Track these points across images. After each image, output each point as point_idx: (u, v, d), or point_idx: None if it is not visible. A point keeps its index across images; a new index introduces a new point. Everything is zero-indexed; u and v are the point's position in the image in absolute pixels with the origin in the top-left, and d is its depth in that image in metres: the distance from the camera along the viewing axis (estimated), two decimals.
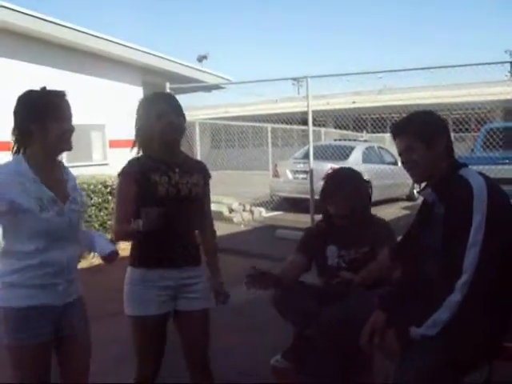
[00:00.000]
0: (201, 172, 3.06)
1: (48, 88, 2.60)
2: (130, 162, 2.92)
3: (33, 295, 2.52)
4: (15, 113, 2.55)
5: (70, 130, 2.59)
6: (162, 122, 2.84)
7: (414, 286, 2.72)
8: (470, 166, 2.77)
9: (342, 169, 4.11)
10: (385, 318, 2.67)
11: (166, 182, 2.83)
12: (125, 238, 3.10)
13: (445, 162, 2.74)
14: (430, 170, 2.74)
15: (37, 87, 2.59)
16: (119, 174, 2.91)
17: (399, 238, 3.36)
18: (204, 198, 3.06)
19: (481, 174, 2.69)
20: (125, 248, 8.24)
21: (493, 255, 2.47)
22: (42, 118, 2.50)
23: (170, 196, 2.82)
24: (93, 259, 8.08)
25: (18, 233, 2.51)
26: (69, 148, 2.61)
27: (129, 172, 2.86)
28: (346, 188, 3.72)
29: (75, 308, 2.69)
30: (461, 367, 2.58)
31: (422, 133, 2.71)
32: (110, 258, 2.69)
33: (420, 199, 3.03)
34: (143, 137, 2.95)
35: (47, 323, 2.55)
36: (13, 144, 2.58)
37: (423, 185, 2.88)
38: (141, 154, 2.98)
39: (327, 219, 3.87)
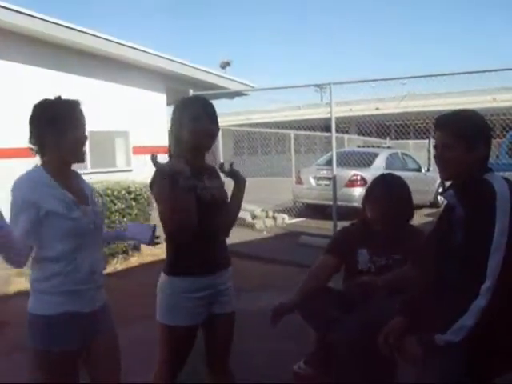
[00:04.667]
0: (218, 176, 3.08)
1: (63, 97, 2.62)
2: (159, 170, 2.84)
3: (60, 303, 2.52)
4: (31, 121, 2.57)
5: (83, 139, 2.60)
6: (195, 127, 2.81)
7: (433, 290, 2.71)
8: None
9: (388, 175, 4.06)
10: (404, 324, 2.68)
11: (202, 187, 2.83)
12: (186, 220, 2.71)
13: (477, 166, 2.67)
14: (461, 172, 2.68)
15: (54, 95, 2.62)
16: (152, 184, 2.86)
17: None
18: (227, 201, 3.07)
19: (505, 179, 2.65)
20: (149, 254, 8.28)
21: None
22: (56, 127, 2.51)
23: (206, 200, 2.81)
24: (116, 265, 8.13)
25: (45, 238, 2.51)
26: (81, 159, 2.63)
27: (162, 179, 2.76)
28: (388, 194, 3.71)
29: (102, 315, 2.69)
30: (485, 373, 2.57)
31: (464, 134, 2.64)
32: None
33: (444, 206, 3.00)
34: (175, 139, 2.92)
35: (74, 331, 2.54)
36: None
37: (447, 184, 2.85)
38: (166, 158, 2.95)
39: (362, 223, 3.86)
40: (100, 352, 2.70)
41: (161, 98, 12.76)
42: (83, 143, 2.60)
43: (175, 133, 2.91)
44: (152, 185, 2.86)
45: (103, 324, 2.70)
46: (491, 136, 2.81)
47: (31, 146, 2.59)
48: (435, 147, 2.76)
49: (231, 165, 3.08)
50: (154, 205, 3.09)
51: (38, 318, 2.53)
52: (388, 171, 13.19)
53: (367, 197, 3.84)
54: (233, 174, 3.07)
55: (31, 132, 2.57)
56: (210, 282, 2.88)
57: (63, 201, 2.51)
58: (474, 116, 2.80)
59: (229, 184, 3.16)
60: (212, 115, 2.91)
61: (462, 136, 2.63)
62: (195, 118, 2.83)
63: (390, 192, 3.73)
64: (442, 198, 11.96)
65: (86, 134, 2.63)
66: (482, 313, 2.43)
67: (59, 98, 2.61)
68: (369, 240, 3.71)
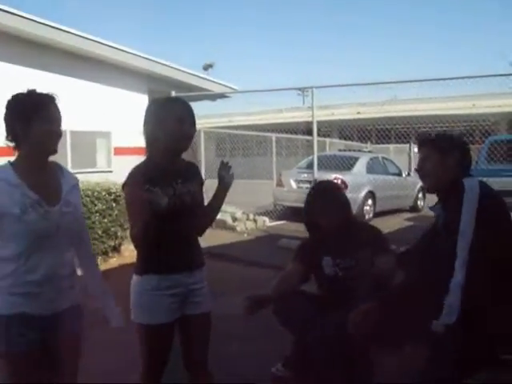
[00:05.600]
0: (196, 176, 3.06)
1: (38, 91, 2.58)
2: (135, 171, 2.86)
3: (13, 303, 2.47)
4: (4, 117, 2.55)
5: (56, 132, 2.56)
6: (178, 130, 2.81)
7: (417, 289, 2.86)
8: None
9: (322, 182, 4.25)
10: (375, 307, 2.95)
11: (172, 194, 2.80)
12: (141, 237, 2.77)
13: (454, 171, 2.96)
14: (442, 181, 2.99)
15: (28, 89, 2.59)
16: (125, 184, 2.86)
17: (393, 246, 3.60)
18: (203, 201, 3.08)
19: (481, 181, 2.90)
20: (129, 255, 8.25)
21: (484, 241, 2.65)
22: (27, 118, 2.48)
23: (175, 207, 2.78)
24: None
25: (1, 237, 2.49)
26: (53, 150, 2.58)
27: (135, 182, 2.78)
28: (333, 199, 3.85)
29: (66, 318, 2.63)
30: (479, 358, 2.76)
31: (438, 145, 3.05)
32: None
33: (424, 210, 3.30)
34: (151, 140, 2.90)
35: (30, 332, 2.50)
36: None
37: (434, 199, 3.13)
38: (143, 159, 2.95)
39: (317, 231, 3.92)
40: (58, 353, 2.65)
41: (143, 99, 12.71)
42: (55, 137, 2.56)
43: (152, 133, 2.89)
44: (124, 186, 2.88)
45: (66, 326, 2.64)
46: (467, 146, 3.16)
47: (8, 143, 2.56)
48: (418, 163, 3.15)
49: (223, 165, 3.08)
50: None
51: None
52: (369, 175, 13.44)
53: (310, 206, 3.93)
54: (219, 174, 3.07)
55: (6, 128, 2.55)
56: (177, 280, 2.87)
57: (20, 202, 2.45)
58: (449, 132, 3.27)
59: (213, 184, 3.16)
60: (192, 117, 2.91)
61: (436, 147, 3.04)
62: (179, 120, 2.83)
63: (330, 197, 3.86)
64: (422, 203, 12.08)
65: (63, 133, 2.59)
66: (463, 287, 2.60)
67: (32, 91, 2.58)
68: (329, 246, 3.78)
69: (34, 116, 2.49)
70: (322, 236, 3.86)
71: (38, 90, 2.60)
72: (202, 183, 3.08)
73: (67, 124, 2.66)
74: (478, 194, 2.75)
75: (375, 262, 3.55)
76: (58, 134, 2.58)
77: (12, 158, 2.59)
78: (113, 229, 8.63)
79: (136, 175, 2.82)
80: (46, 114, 2.52)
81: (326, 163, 12.74)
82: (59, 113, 2.59)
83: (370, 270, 3.52)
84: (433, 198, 3.29)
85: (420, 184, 15.31)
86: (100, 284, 2.89)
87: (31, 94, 2.57)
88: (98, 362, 4.04)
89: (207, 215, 3.08)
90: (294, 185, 13.70)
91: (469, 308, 2.61)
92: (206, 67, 30.68)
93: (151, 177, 2.78)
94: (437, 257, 2.84)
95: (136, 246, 2.87)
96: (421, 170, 3.11)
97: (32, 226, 2.47)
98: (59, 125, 2.59)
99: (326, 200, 3.82)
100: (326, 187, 4.09)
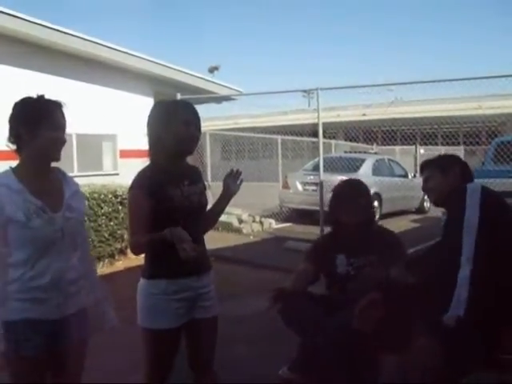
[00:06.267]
0: (200, 179, 3.06)
1: (46, 96, 2.58)
2: (140, 175, 2.84)
3: (20, 309, 2.48)
4: (10, 119, 2.54)
5: (61, 139, 2.55)
6: (185, 132, 2.80)
7: (422, 287, 2.97)
8: (480, 180, 3.06)
9: (352, 180, 4.19)
10: (377, 298, 3.04)
11: (180, 195, 2.80)
12: (143, 250, 2.84)
13: (456, 183, 3.16)
14: (443, 191, 3.20)
15: (37, 94, 2.59)
16: (131, 188, 2.83)
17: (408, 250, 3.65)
18: (207, 205, 3.06)
19: (482, 185, 3.07)
20: (135, 258, 8.27)
21: (486, 240, 2.76)
22: (32, 123, 2.48)
23: (184, 209, 2.78)
24: (102, 268, 8.09)
25: (7, 244, 2.49)
26: (56, 158, 2.58)
27: (141, 185, 2.77)
28: (361, 197, 3.86)
29: (73, 323, 2.62)
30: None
31: (438, 163, 3.37)
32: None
33: (430, 212, 3.44)
34: (156, 143, 2.88)
35: (37, 337, 2.50)
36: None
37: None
38: (149, 162, 2.93)
39: (337, 229, 3.91)
40: (65, 358, 2.65)
41: (148, 101, 12.73)
42: (59, 144, 2.56)
43: (156, 136, 2.87)
44: (130, 190, 2.85)
45: (73, 331, 2.63)
46: (465, 162, 3.40)
47: (9, 145, 2.55)
48: (423, 183, 3.44)
49: (231, 173, 3.08)
50: None
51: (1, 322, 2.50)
52: (375, 177, 13.41)
53: (336, 203, 3.92)
54: (225, 182, 3.06)
55: (10, 130, 2.54)
56: (185, 285, 2.85)
57: (24, 208, 2.45)
58: (447, 153, 3.53)
59: (219, 187, 3.15)
60: (198, 120, 2.90)
61: (437, 166, 3.34)
62: (185, 122, 2.81)
63: (358, 196, 3.87)
64: (428, 204, 12.11)
65: (69, 136, 2.59)
66: (469, 279, 2.69)
67: (41, 97, 2.57)
68: (344, 245, 3.78)
69: (40, 122, 2.48)
70: (342, 234, 3.85)
71: (47, 96, 2.59)
72: (205, 187, 3.07)
73: (73, 127, 2.64)
74: (480, 195, 2.91)
75: (388, 269, 3.51)
76: (62, 141, 2.57)
77: (13, 163, 2.59)
78: (119, 231, 8.65)
79: (142, 179, 2.81)
80: (52, 120, 2.52)
81: (332, 165, 12.70)
82: (65, 120, 2.59)
83: (381, 275, 3.50)
84: None
85: None
86: (96, 288, 2.87)
87: (39, 100, 2.56)
88: (98, 363, 4.03)
89: (208, 219, 3.07)
90: (299, 187, 13.68)
91: (470, 306, 2.64)
92: (212, 70, 30.66)
93: (157, 180, 2.77)
94: (442, 255, 2.97)
95: (135, 254, 2.87)
96: (426, 189, 3.41)
97: (37, 232, 2.47)
98: (64, 132, 2.57)
99: (355, 198, 3.82)
100: (355, 185, 4.04)
